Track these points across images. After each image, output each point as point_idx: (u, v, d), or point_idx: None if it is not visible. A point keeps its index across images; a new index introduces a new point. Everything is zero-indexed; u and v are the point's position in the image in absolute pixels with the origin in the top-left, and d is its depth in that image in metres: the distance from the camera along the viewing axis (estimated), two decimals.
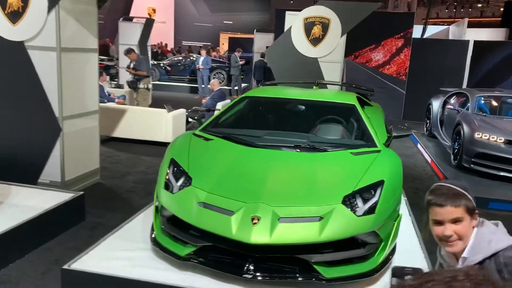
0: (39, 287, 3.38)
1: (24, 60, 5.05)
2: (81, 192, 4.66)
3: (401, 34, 12.68)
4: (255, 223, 2.98)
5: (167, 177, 3.48)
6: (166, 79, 17.64)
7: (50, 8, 4.88)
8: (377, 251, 3.21)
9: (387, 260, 3.31)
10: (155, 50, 21.66)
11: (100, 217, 4.73)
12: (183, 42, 31.64)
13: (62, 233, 4.28)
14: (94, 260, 3.29)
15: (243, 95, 4.95)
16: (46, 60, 5.04)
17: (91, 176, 5.75)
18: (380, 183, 3.33)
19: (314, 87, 6.44)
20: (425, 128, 9.92)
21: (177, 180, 3.42)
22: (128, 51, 10.36)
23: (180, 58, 19.13)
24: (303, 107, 4.90)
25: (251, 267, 2.97)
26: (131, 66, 10.19)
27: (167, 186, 3.41)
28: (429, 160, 7.91)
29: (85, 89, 5.52)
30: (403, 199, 4.96)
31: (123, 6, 25.72)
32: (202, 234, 3.11)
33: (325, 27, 7.53)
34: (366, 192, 3.27)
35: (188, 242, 3.15)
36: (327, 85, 7.37)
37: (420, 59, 12.39)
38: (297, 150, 3.76)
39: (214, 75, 17.29)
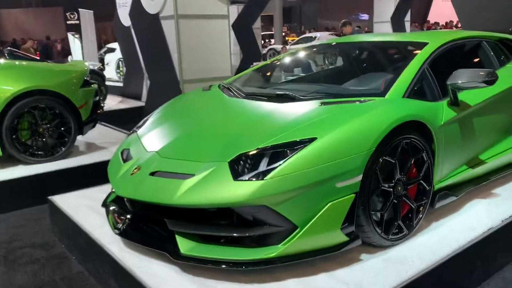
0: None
1: (158, 28, 5.73)
2: None
3: None
4: (132, 173, 2.55)
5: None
6: None
7: None
8: (282, 237, 2.17)
9: (303, 255, 2.20)
10: (433, 27, 19.79)
11: None
12: None
13: None
14: (78, 199, 3.49)
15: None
16: (170, 27, 5.57)
17: None
18: (305, 142, 2.22)
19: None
20: None
21: (138, 127, 3.24)
22: (344, 24, 9.96)
23: None
24: (357, 52, 3.64)
25: (127, 222, 2.57)
26: None
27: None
28: None
29: (209, 55, 5.77)
30: None
31: None
32: None
33: None
34: (281, 151, 2.24)
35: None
36: None
37: None
38: (264, 99, 2.90)
39: None
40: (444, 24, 20.47)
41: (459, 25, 17.41)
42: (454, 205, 2.95)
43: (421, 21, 22.15)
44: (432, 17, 24.76)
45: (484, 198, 3.10)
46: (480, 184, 3.09)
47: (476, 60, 3.44)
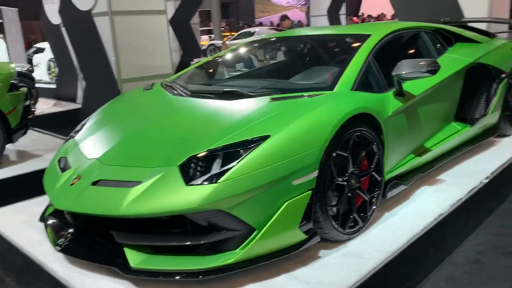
0: None
1: (91, 26, 5.41)
2: None
3: None
4: (72, 184, 2.35)
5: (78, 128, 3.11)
6: None
7: None
8: (240, 241, 2.08)
9: (262, 258, 2.12)
10: (367, 20, 20.47)
11: None
12: None
13: None
14: (11, 213, 3.20)
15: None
16: (104, 25, 5.27)
17: None
18: (259, 140, 2.14)
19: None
20: None
21: (76, 132, 3.01)
22: (282, 18, 10.06)
23: None
24: (301, 45, 3.63)
25: (69, 237, 2.37)
26: None
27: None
28: None
29: (148, 52, 5.54)
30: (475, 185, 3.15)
31: None
32: None
33: None
34: (234, 151, 2.14)
35: None
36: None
37: None
38: (210, 97, 2.79)
39: None
40: (377, 17, 21.20)
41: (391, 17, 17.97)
42: (404, 194, 3.00)
43: (353, 14, 22.77)
44: (363, 10, 25.59)
45: (431, 185, 3.18)
46: (427, 171, 3.16)
47: (416, 50, 3.52)
